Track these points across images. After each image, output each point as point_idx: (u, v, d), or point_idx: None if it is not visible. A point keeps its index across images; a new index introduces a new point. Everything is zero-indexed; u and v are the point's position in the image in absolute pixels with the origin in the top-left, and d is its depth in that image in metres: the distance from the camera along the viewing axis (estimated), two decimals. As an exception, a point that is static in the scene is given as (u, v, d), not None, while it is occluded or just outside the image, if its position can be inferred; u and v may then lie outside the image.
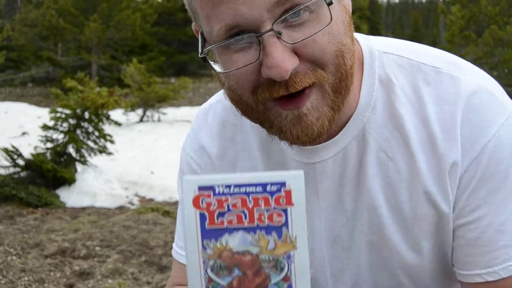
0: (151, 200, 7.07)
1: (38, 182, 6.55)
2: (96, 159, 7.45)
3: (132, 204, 6.77)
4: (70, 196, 6.59)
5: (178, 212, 1.07)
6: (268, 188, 0.60)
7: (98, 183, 6.90)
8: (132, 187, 7.50)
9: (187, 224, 0.61)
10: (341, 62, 0.78)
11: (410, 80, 0.88)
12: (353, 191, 0.91)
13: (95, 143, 7.21)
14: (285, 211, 0.60)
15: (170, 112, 14.80)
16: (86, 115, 7.09)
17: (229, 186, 0.60)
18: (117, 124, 7.84)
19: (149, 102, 13.83)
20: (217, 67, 0.82)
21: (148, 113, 14.20)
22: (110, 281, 3.90)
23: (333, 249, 0.95)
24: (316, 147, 0.89)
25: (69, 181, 6.74)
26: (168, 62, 24.91)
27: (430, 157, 0.86)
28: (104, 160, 7.90)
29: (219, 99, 1.02)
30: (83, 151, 7.13)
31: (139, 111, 14.06)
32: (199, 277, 0.62)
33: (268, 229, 0.60)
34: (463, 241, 0.88)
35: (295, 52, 0.75)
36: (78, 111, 7.03)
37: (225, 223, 0.60)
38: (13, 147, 6.68)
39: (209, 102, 1.06)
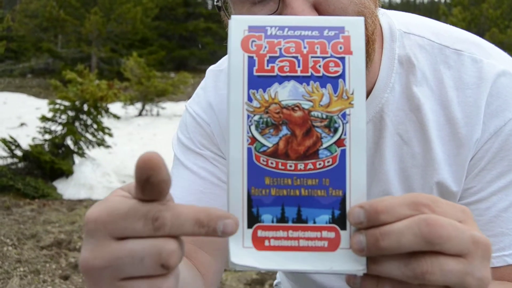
0: (148, 194, 7.07)
1: (36, 173, 6.54)
2: (94, 152, 7.45)
3: (129, 197, 6.77)
4: (67, 188, 6.59)
5: (182, 170, 1.00)
6: (325, 32, 0.53)
7: (96, 176, 6.91)
8: (130, 180, 7.47)
9: (232, 71, 0.53)
10: None
11: (431, 62, 0.85)
12: (367, 176, 0.87)
13: (94, 135, 7.20)
14: (342, 60, 0.53)
15: (169, 107, 14.80)
16: (85, 107, 7.08)
17: (282, 28, 0.53)
18: (116, 117, 7.83)
19: (148, 96, 13.83)
20: None
21: (147, 107, 14.19)
22: (105, 273, 3.91)
23: None
24: None
25: (66, 173, 6.74)
26: (168, 56, 24.89)
27: (447, 142, 0.83)
28: (102, 153, 7.89)
29: None
30: (81, 143, 7.13)
31: (138, 105, 14.05)
32: (240, 136, 0.53)
33: (323, 80, 0.53)
34: None
35: (316, 8, 0.72)
36: (77, 103, 7.02)
37: (276, 70, 0.53)
38: (11, 137, 6.67)
39: (221, 66, 0.99)
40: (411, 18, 0.92)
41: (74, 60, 20.14)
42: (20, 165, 6.63)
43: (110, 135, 7.33)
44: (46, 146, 6.92)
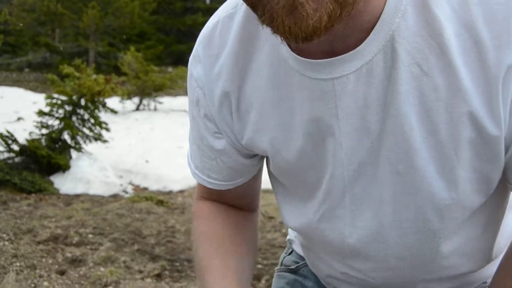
0: (145, 189, 7.06)
1: (32, 168, 6.53)
2: (91, 147, 7.43)
3: (126, 192, 6.77)
4: (64, 183, 6.58)
5: (191, 130, 0.97)
6: None
7: (93, 171, 6.89)
8: (127, 175, 7.49)
9: None
10: None
11: None
12: (380, 112, 0.76)
13: (91, 130, 7.19)
14: None
15: (167, 101, 14.78)
16: (82, 102, 7.07)
17: None
18: (113, 112, 7.82)
19: (146, 90, 13.80)
20: None
21: (145, 101, 14.17)
22: (102, 268, 3.90)
23: (354, 177, 0.82)
24: (335, 60, 0.73)
25: (63, 167, 6.73)
26: (166, 51, 24.84)
27: (475, 70, 0.70)
28: (99, 147, 7.88)
29: (227, 14, 0.86)
30: (78, 138, 7.12)
31: (136, 100, 14.03)
32: None
33: None
34: None
35: None
36: (74, 97, 7.00)
37: None
38: (8, 132, 6.65)
39: (217, 17, 0.88)
40: None
41: (71, 54, 20.10)
42: (17, 159, 6.62)
43: (107, 129, 7.32)
44: (43, 140, 6.91)
